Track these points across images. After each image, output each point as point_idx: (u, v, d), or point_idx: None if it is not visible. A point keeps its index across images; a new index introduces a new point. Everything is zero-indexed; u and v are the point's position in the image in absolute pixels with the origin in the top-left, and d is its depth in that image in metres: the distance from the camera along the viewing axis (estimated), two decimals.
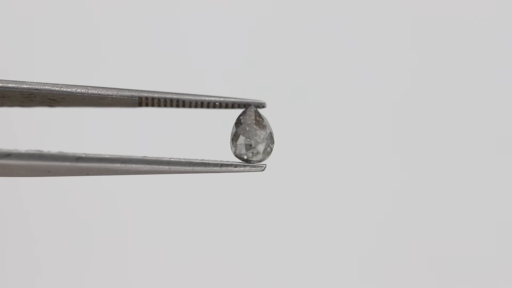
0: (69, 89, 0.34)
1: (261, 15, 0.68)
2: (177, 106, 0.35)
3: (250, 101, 0.34)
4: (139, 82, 0.64)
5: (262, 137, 0.33)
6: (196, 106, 0.34)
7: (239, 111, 0.34)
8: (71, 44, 0.66)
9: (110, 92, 0.35)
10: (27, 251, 0.66)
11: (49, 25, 0.66)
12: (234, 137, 0.33)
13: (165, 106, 0.34)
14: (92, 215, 0.66)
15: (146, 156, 0.33)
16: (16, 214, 0.66)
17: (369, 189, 0.69)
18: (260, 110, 0.34)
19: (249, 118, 0.33)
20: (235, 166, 0.34)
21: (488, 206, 0.69)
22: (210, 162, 0.34)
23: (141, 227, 0.66)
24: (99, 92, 0.35)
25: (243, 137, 0.33)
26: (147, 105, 0.35)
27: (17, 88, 0.34)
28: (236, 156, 0.33)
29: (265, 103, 0.35)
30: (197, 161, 0.33)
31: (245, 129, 0.33)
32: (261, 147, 0.33)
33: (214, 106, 0.34)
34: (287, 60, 0.68)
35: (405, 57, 0.70)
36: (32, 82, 0.34)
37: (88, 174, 0.33)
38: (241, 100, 0.34)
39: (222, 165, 0.33)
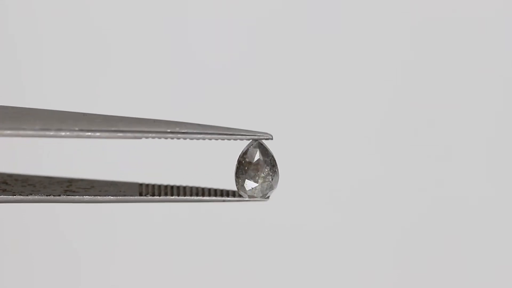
0: None
1: (259, 23, 0.66)
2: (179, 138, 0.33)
3: (256, 137, 0.33)
4: (139, 91, 0.64)
5: (265, 188, 0.33)
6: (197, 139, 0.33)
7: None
8: (75, 47, 0.66)
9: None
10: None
11: (50, 27, 0.65)
12: (238, 180, 0.34)
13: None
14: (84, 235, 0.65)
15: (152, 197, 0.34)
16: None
17: (371, 198, 0.67)
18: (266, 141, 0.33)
19: (253, 170, 0.33)
20: (238, 197, 0.34)
21: (485, 205, 0.68)
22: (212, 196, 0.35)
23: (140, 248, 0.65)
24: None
25: (243, 191, 0.34)
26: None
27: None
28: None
29: (271, 136, 0.34)
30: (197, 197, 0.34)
31: (243, 181, 0.33)
32: (262, 192, 0.33)
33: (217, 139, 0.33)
34: (286, 65, 0.67)
35: (407, 66, 0.68)
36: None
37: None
38: (245, 135, 0.33)
39: (225, 199, 0.34)
